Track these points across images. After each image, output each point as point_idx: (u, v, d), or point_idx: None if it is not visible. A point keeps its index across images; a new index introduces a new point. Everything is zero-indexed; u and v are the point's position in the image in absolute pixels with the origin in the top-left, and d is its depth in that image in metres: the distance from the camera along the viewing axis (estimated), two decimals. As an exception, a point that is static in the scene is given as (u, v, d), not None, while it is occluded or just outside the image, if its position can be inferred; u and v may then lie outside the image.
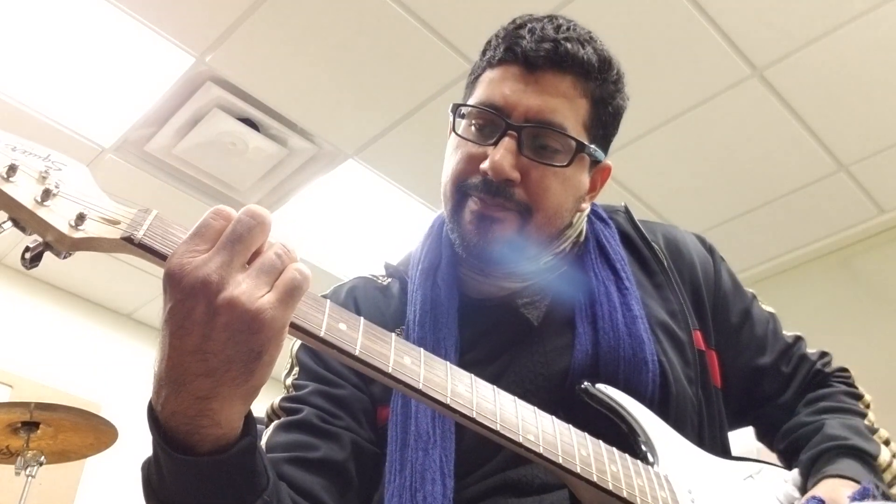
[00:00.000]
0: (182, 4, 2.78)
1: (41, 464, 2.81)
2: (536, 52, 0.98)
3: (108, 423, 2.84)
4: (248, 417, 0.72)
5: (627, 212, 1.21)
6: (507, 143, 0.98)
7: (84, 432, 2.86)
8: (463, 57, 2.87)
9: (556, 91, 0.99)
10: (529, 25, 1.01)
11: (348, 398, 1.00)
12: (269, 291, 0.65)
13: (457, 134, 1.03)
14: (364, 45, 2.88)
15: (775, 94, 3.02)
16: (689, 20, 2.74)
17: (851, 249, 3.69)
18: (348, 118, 3.21)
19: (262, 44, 2.91)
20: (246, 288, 0.64)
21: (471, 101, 1.04)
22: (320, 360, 1.02)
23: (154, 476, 0.72)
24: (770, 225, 3.63)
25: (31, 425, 2.77)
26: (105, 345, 4.38)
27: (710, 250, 1.22)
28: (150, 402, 0.69)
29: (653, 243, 1.16)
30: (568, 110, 1.00)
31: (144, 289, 4.17)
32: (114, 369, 4.25)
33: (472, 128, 1.02)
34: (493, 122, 1.00)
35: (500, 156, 0.97)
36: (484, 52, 1.06)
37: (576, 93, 1.00)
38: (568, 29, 1.01)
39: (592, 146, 1.03)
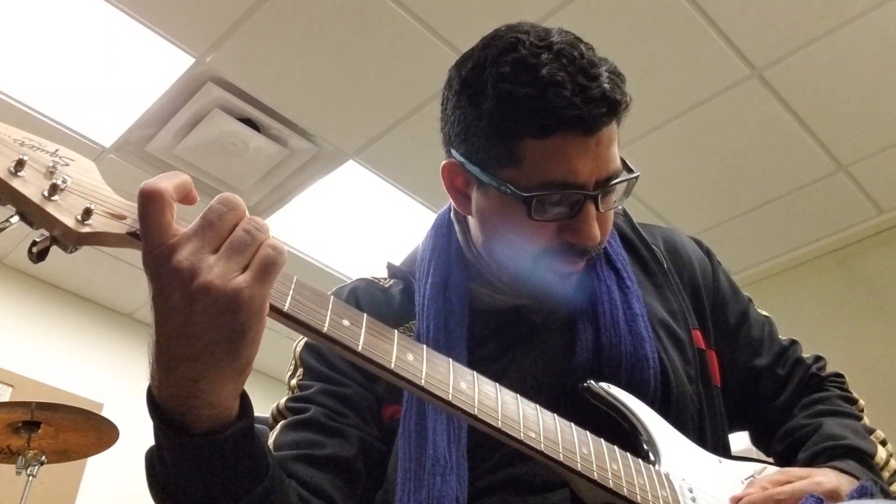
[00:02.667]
0: (182, 4, 2.78)
1: (42, 463, 2.82)
2: (593, 117, 0.92)
3: (110, 422, 2.85)
4: (245, 401, 0.73)
5: (626, 214, 1.22)
6: (591, 211, 0.97)
7: (85, 432, 2.86)
8: (463, 57, 2.87)
9: (611, 139, 0.96)
10: (559, 77, 0.91)
11: (354, 397, 1.00)
12: (243, 270, 0.65)
13: (533, 218, 0.96)
14: (364, 45, 2.89)
15: (774, 94, 3.02)
16: (688, 21, 2.74)
17: (850, 249, 3.69)
18: (348, 118, 3.22)
19: (262, 44, 2.91)
20: (219, 271, 0.64)
21: (523, 178, 0.95)
22: (324, 360, 1.03)
23: (156, 462, 0.73)
24: (769, 225, 3.63)
25: (32, 425, 2.78)
26: (106, 345, 4.39)
27: (708, 253, 1.24)
28: (149, 387, 0.70)
29: (652, 245, 1.18)
30: (616, 146, 0.98)
31: (144, 289, 4.15)
32: (114, 369, 4.26)
33: (546, 206, 0.96)
34: (567, 196, 0.96)
35: (591, 227, 0.97)
36: (505, 111, 0.93)
37: (617, 126, 0.98)
38: (594, 66, 0.94)
39: (633, 170, 1.01)
